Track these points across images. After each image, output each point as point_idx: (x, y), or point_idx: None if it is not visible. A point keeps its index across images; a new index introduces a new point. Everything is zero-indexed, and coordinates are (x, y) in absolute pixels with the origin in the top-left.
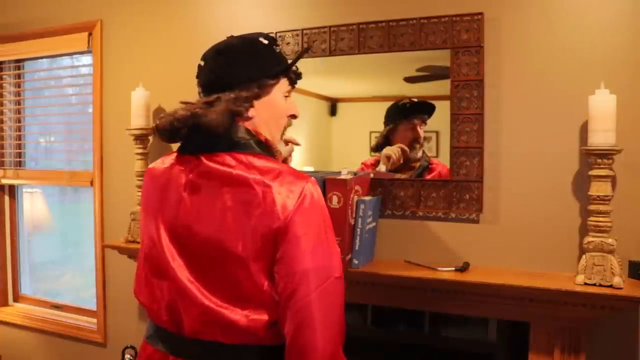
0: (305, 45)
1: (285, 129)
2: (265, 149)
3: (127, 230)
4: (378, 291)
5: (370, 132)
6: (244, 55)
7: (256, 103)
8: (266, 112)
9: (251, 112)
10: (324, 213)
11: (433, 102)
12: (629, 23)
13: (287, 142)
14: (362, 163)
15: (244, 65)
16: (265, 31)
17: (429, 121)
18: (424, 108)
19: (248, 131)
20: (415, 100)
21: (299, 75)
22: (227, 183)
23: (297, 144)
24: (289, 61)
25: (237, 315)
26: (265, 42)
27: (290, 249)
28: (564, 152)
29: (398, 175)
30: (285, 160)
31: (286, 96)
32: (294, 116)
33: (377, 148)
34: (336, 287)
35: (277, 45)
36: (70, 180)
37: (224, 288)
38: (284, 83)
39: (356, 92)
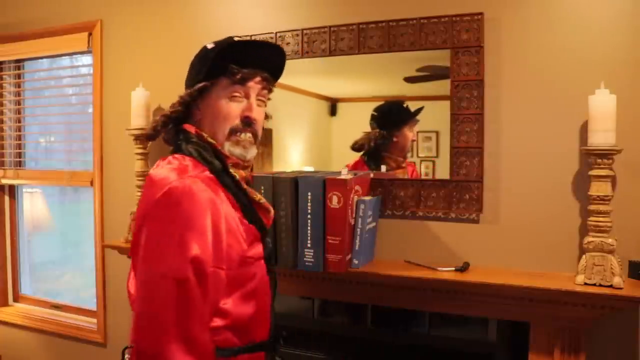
0: (305, 45)
1: (237, 132)
2: (201, 150)
3: (127, 230)
4: (378, 291)
5: None
6: (193, 63)
7: (202, 106)
8: (207, 114)
9: (198, 115)
10: (181, 211)
11: (433, 102)
12: (629, 23)
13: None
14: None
15: (189, 73)
16: (265, 31)
17: (429, 121)
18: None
19: (187, 134)
20: (406, 104)
21: (243, 74)
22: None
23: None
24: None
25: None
26: (210, 46)
27: (140, 239)
28: (564, 152)
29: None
30: (239, 164)
31: (234, 96)
32: (247, 117)
33: (366, 152)
34: (163, 287)
35: (228, 49)
36: (70, 180)
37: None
38: (222, 84)
39: (356, 92)
